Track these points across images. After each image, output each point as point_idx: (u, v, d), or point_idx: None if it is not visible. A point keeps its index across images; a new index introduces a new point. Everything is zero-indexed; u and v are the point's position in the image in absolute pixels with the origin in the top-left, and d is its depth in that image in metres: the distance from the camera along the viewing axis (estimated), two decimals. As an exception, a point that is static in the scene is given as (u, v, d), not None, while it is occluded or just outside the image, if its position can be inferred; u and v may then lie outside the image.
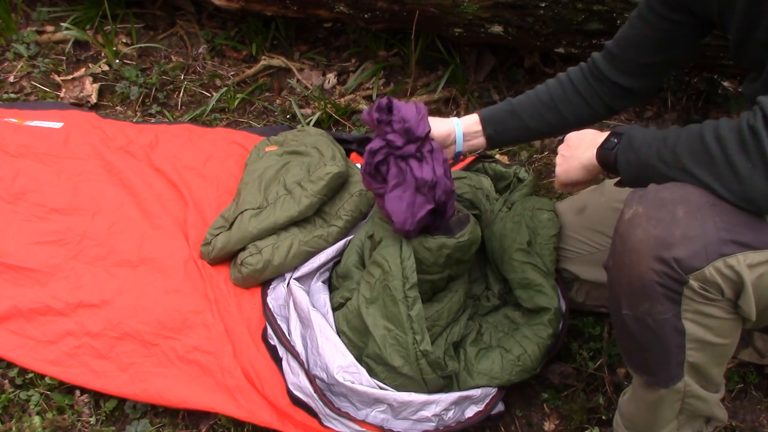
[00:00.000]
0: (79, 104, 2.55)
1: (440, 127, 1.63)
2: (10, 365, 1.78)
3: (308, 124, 2.42)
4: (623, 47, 1.54)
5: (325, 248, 1.83)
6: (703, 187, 1.16)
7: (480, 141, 1.68)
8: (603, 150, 1.34)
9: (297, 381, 1.61)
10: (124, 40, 2.78)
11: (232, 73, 2.69)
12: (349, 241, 1.83)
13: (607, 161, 1.33)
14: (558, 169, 1.50)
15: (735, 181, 1.12)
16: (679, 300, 1.16)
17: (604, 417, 1.68)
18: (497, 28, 2.21)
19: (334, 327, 1.68)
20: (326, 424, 1.58)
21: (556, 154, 1.53)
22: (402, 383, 1.57)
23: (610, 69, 1.56)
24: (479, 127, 1.66)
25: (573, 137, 1.48)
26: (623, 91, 1.57)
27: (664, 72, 1.60)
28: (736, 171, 1.12)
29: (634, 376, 1.37)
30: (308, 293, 1.75)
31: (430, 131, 1.54)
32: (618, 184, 1.36)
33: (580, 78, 1.61)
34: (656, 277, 1.14)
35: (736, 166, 1.12)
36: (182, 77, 2.66)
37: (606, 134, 1.36)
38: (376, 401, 1.57)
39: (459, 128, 1.65)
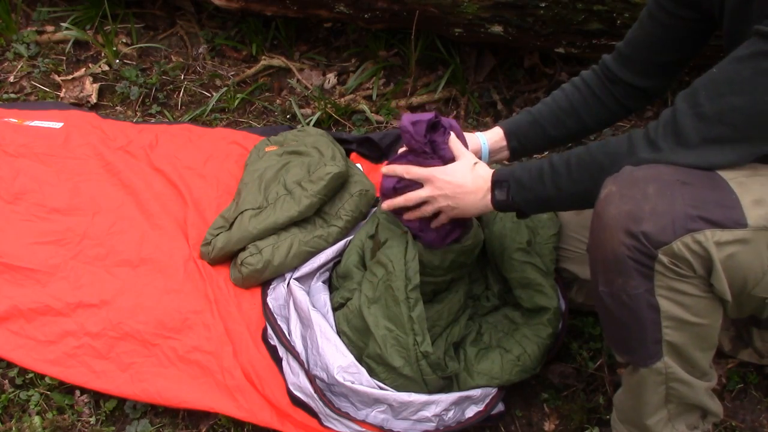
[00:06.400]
0: (79, 104, 2.55)
1: (468, 145, 1.62)
2: (10, 365, 1.78)
3: (308, 124, 2.42)
4: (634, 48, 1.55)
5: (325, 248, 1.83)
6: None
7: (504, 155, 1.69)
8: (499, 202, 1.43)
9: (297, 381, 1.61)
10: (124, 40, 2.78)
11: (232, 73, 2.69)
12: (350, 241, 1.83)
13: (509, 208, 1.44)
14: (446, 211, 1.51)
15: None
16: (652, 275, 1.18)
17: (604, 417, 1.68)
18: (497, 28, 2.21)
19: (334, 327, 1.68)
20: (326, 424, 1.58)
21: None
22: (402, 384, 1.57)
23: (623, 70, 1.57)
24: (504, 142, 1.66)
25: (451, 189, 1.47)
26: (638, 92, 1.58)
27: (676, 70, 1.61)
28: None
29: (619, 359, 1.40)
30: (308, 293, 1.75)
31: None
32: (519, 217, 1.47)
33: (595, 81, 1.61)
34: (627, 252, 1.17)
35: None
36: (182, 77, 2.66)
37: (484, 182, 1.44)
38: (376, 401, 1.57)
39: (485, 145, 1.65)
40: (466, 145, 1.56)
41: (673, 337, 1.24)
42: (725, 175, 1.21)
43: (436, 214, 1.54)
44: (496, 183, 1.42)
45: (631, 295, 1.20)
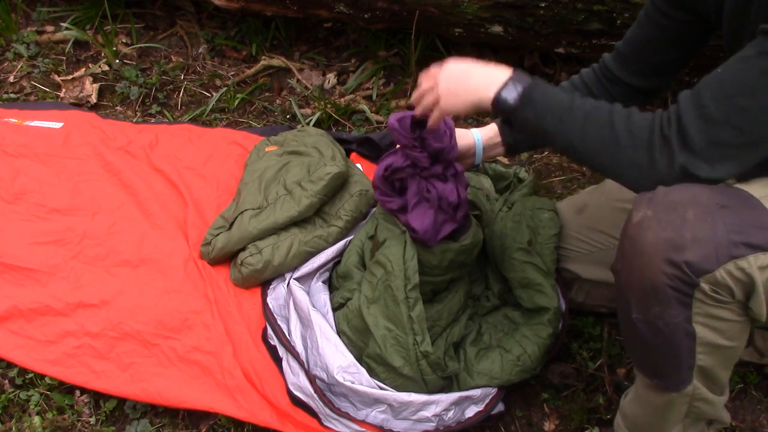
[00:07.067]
0: (79, 104, 2.55)
1: (461, 140, 1.62)
2: (10, 365, 1.78)
3: (308, 124, 2.42)
4: (632, 47, 1.55)
5: (325, 248, 1.83)
6: (598, 170, 1.26)
7: (499, 151, 1.68)
8: (501, 99, 1.31)
9: (297, 381, 1.61)
10: (124, 40, 2.78)
11: (232, 73, 2.69)
12: (350, 241, 1.83)
13: (503, 110, 1.32)
14: (441, 100, 1.40)
15: (634, 176, 1.21)
16: (690, 303, 1.15)
17: (604, 417, 1.68)
18: (497, 28, 2.21)
19: (334, 327, 1.68)
20: (326, 424, 1.58)
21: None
22: (402, 383, 1.57)
23: (621, 70, 1.56)
24: (499, 138, 1.65)
25: (457, 70, 1.39)
26: (636, 91, 1.58)
27: (675, 70, 1.61)
28: (638, 168, 1.20)
29: (641, 378, 1.36)
30: (308, 293, 1.75)
31: (456, 154, 1.54)
32: (503, 123, 1.38)
33: (593, 80, 1.61)
34: (667, 281, 1.13)
35: (640, 165, 1.20)
36: (182, 77, 2.66)
37: (499, 74, 1.33)
38: (376, 401, 1.57)
39: (479, 142, 1.64)
40: (455, 140, 1.54)
41: (705, 362, 1.23)
42: (755, 192, 1.18)
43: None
44: (510, 82, 1.31)
45: (668, 323, 1.17)
